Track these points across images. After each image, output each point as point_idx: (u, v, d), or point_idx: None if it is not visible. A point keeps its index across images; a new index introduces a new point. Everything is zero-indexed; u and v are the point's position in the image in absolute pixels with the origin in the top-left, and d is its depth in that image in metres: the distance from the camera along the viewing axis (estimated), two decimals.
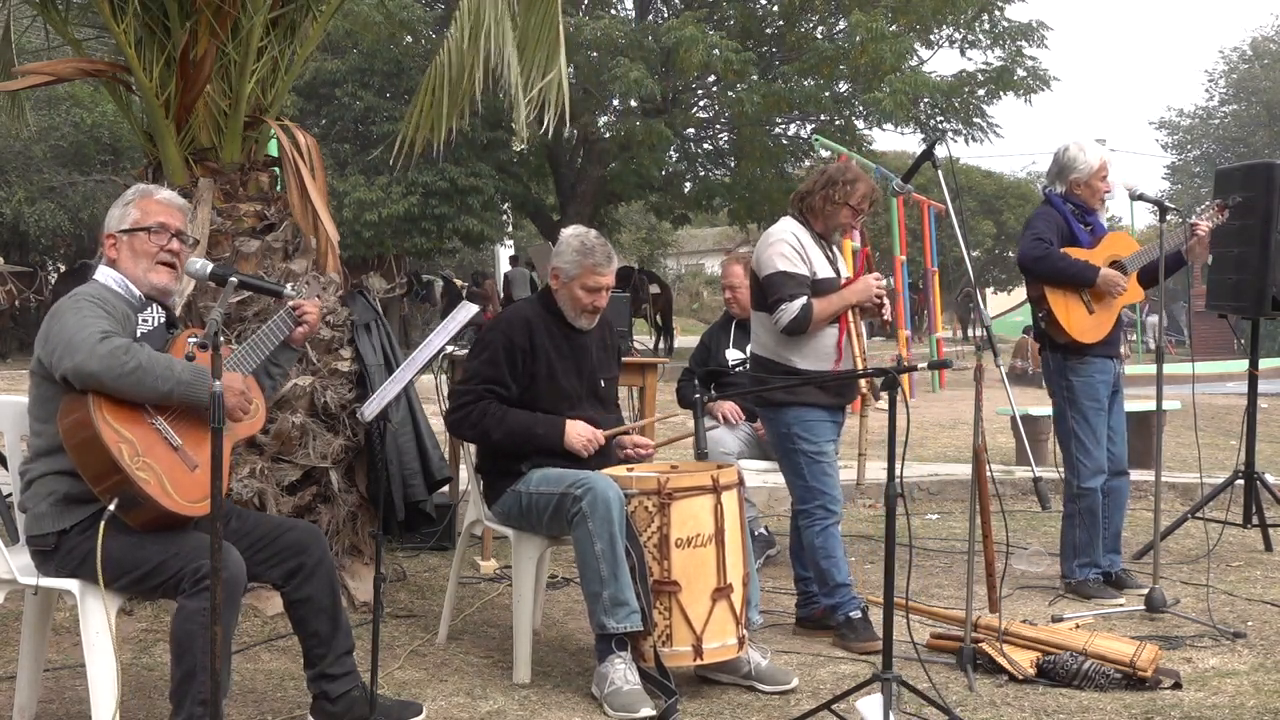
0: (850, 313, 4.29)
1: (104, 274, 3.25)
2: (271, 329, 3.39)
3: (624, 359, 4.79)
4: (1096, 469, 4.95)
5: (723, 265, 6.06)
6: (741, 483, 3.92)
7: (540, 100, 4.79)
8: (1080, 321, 4.91)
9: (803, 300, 4.22)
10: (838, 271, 4.41)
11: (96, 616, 3.06)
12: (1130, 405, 5.63)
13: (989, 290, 36.74)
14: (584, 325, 4.12)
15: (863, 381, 4.34)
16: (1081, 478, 4.95)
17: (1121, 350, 5.13)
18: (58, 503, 3.06)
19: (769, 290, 4.29)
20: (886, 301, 4.33)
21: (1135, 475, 5.29)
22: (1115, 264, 4.96)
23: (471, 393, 4.00)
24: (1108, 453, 5.00)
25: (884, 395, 3.42)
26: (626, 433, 4.23)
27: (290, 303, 3.38)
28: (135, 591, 3.16)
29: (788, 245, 4.29)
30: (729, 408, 5.57)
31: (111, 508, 2.93)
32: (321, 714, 3.34)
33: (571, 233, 4.16)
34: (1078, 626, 4.36)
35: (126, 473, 2.92)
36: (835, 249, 4.54)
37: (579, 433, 4.01)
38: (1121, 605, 4.81)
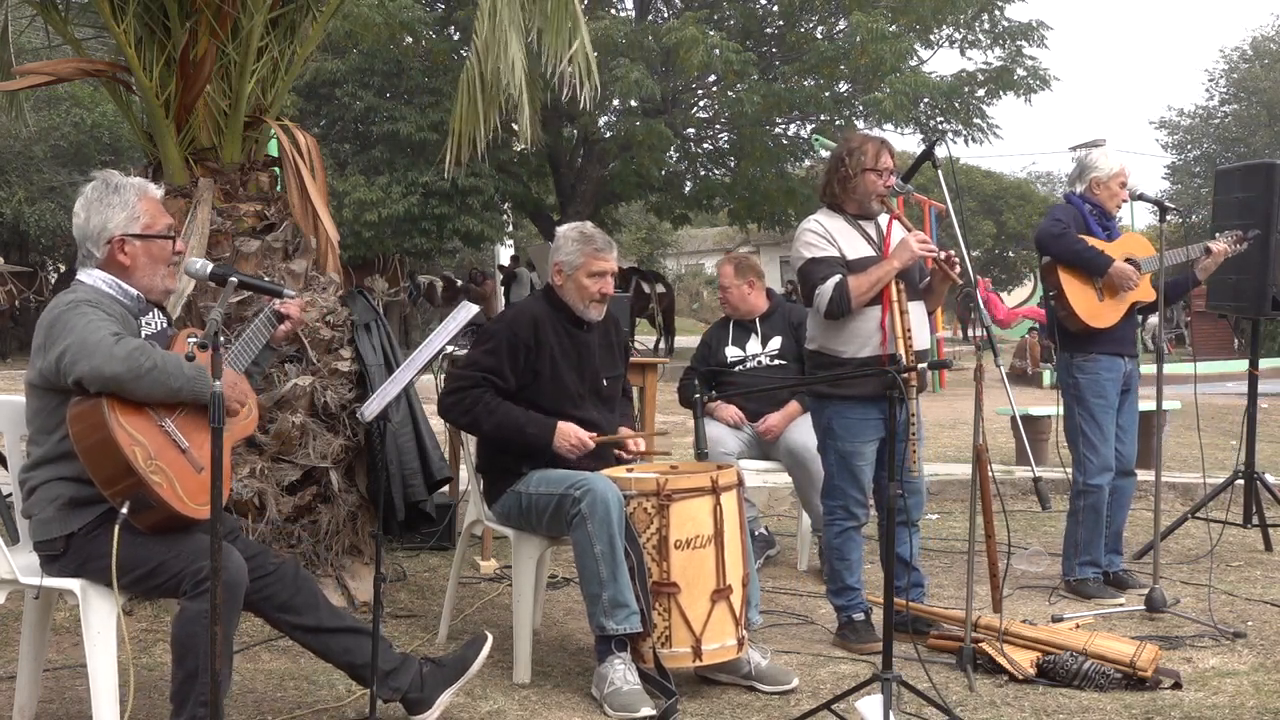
0: (895, 290, 4.09)
1: (93, 276, 3.16)
2: (258, 328, 3.39)
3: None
4: (1103, 466, 4.95)
5: (717, 266, 6.07)
6: (741, 483, 3.91)
7: (568, 77, 4.92)
8: (1089, 305, 4.92)
9: (835, 279, 4.11)
10: (881, 248, 4.23)
11: (98, 616, 3.06)
12: None
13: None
14: (593, 316, 4.11)
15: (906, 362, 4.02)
16: (1088, 474, 4.95)
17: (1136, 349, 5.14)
18: (63, 507, 3.05)
19: (804, 282, 4.24)
20: (945, 254, 4.02)
21: (1137, 475, 5.29)
22: (1130, 262, 4.98)
23: (468, 379, 3.99)
24: (1116, 452, 5.01)
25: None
26: (619, 441, 4.18)
27: (275, 304, 3.37)
28: (136, 590, 3.15)
29: (810, 234, 4.25)
30: (729, 413, 5.56)
31: (124, 511, 2.93)
32: (412, 707, 3.37)
33: (568, 226, 4.19)
34: (1078, 626, 4.35)
35: (140, 475, 2.91)
36: (882, 226, 4.31)
37: (567, 435, 3.95)
38: (1121, 605, 4.81)
